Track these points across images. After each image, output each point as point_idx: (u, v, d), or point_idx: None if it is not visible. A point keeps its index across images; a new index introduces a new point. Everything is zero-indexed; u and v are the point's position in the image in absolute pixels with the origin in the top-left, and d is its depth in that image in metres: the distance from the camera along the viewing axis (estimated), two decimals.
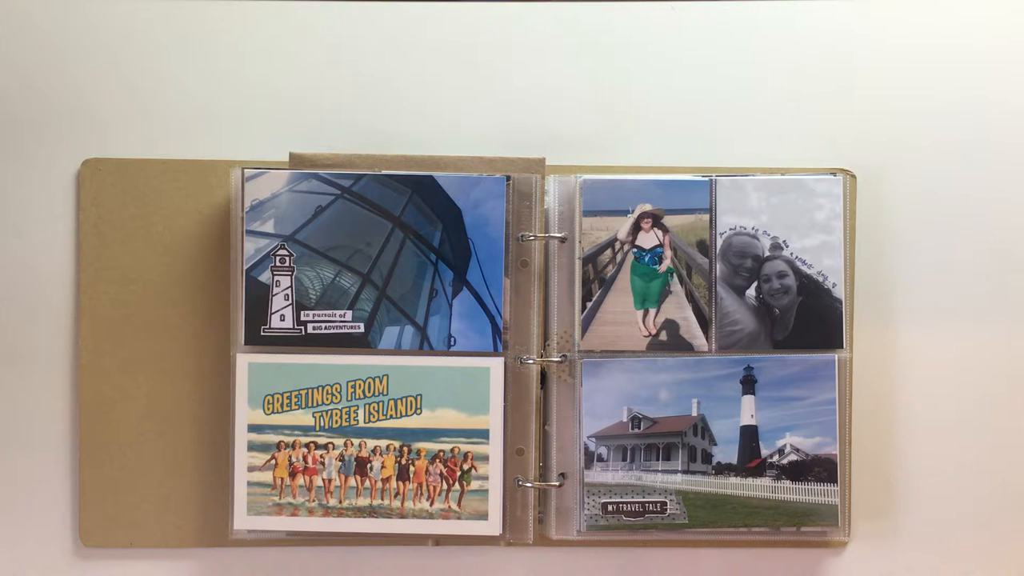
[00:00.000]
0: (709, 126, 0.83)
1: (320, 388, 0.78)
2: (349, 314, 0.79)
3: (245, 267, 0.78)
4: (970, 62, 0.83)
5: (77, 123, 0.82)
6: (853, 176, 0.81)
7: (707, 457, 0.79)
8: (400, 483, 0.79)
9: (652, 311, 0.80)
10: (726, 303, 0.80)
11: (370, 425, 0.79)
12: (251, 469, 0.79)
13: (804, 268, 0.79)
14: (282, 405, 0.78)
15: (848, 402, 0.80)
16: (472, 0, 0.83)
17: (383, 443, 0.79)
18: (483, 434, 0.79)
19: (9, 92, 0.82)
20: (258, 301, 0.78)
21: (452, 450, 0.79)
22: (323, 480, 0.79)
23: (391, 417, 0.79)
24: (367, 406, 0.79)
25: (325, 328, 0.78)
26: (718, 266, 0.80)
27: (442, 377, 0.79)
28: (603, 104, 0.83)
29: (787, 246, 0.80)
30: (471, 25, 0.83)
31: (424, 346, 0.79)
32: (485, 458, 0.79)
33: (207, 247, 0.81)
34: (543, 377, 0.80)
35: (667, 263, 0.80)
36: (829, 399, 0.79)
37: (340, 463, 0.79)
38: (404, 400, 0.79)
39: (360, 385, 0.79)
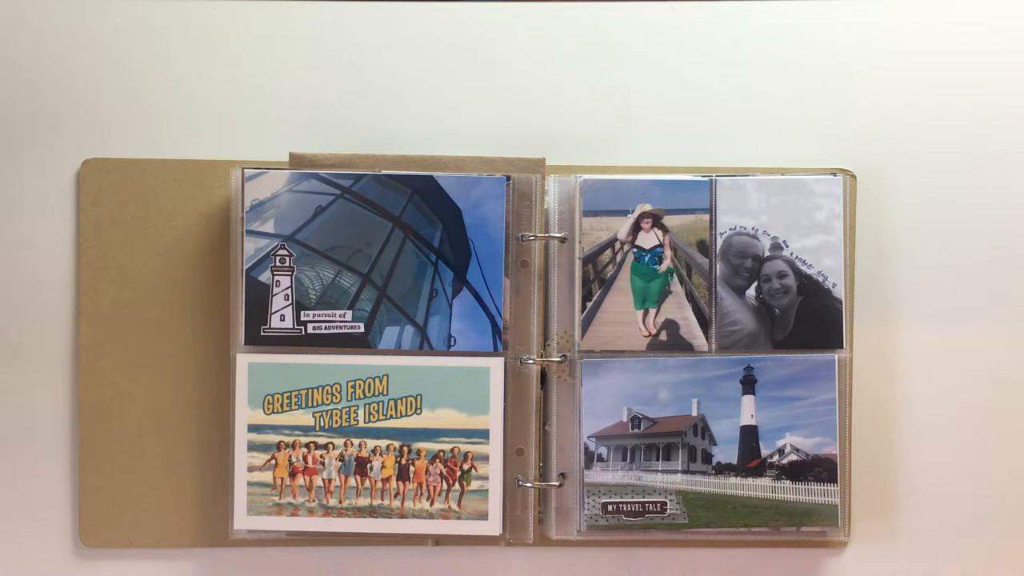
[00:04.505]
0: (709, 126, 0.83)
1: (320, 388, 0.78)
2: (349, 314, 0.79)
3: (245, 267, 0.78)
4: (970, 62, 0.83)
5: (77, 123, 0.82)
6: (853, 176, 0.81)
7: (707, 457, 0.79)
8: (400, 483, 0.79)
9: (652, 311, 0.80)
10: (726, 303, 0.80)
11: (370, 425, 0.79)
12: (251, 469, 0.79)
13: (804, 268, 0.79)
14: (282, 405, 0.78)
15: (848, 402, 0.80)
16: (472, 0, 0.83)
17: (383, 443, 0.79)
18: (483, 434, 0.79)
19: (9, 92, 0.82)
20: (258, 301, 0.78)
21: (452, 450, 0.79)
22: (323, 480, 0.79)
23: (391, 417, 0.79)
24: (367, 406, 0.79)
25: (325, 328, 0.78)
26: (718, 266, 0.80)
27: (442, 377, 0.79)
28: (603, 104, 0.83)
29: (787, 246, 0.80)
30: (471, 25, 0.83)
31: (424, 346, 0.79)
32: (485, 458, 0.79)
33: (207, 247, 0.81)
34: (543, 377, 0.80)
35: (667, 263, 0.80)
36: (829, 399, 0.79)
37: (340, 463, 0.79)
38: (404, 400, 0.79)
39: (360, 385, 0.79)
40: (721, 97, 0.83)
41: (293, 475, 0.79)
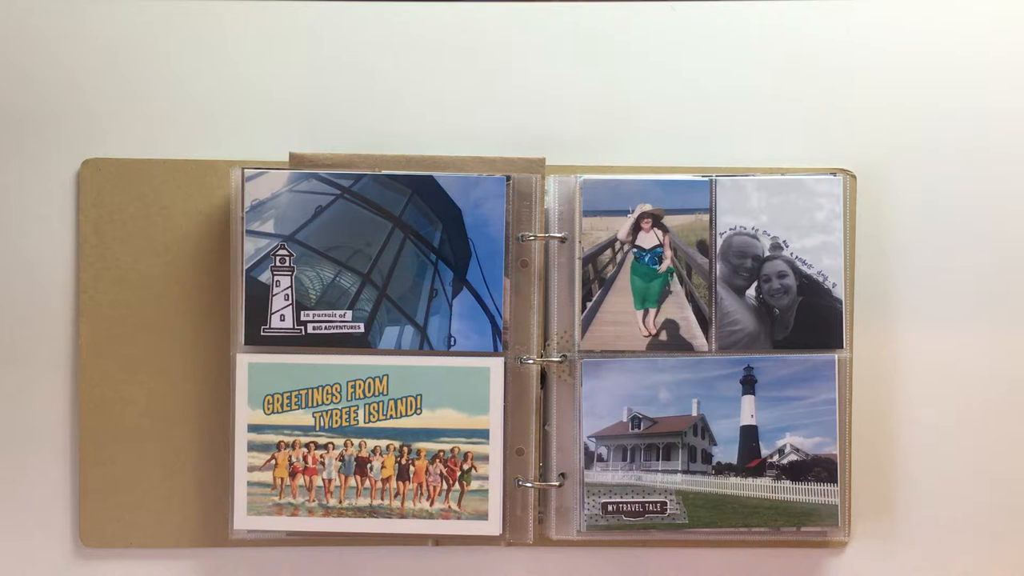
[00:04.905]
0: (709, 126, 0.83)
1: (320, 388, 0.78)
2: (349, 314, 0.79)
3: (245, 267, 0.78)
4: (970, 63, 0.83)
5: (77, 123, 0.82)
6: (853, 176, 0.81)
7: (707, 457, 0.79)
8: (400, 483, 0.79)
9: (652, 311, 0.80)
10: (726, 303, 0.80)
11: (370, 425, 0.79)
12: (251, 469, 0.79)
13: (804, 268, 0.79)
14: (282, 405, 0.78)
15: (848, 402, 0.80)
16: (472, 0, 0.83)
17: (383, 443, 0.79)
18: (483, 434, 0.79)
19: (9, 92, 0.82)
20: (258, 301, 0.78)
21: (452, 450, 0.79)
22: (323, 480, 0.79)
23: (391, 417, 0.79)
24: (367, 406, 0.79)
25: (325, 328, 0.78)
26: (718, 266, 0.80)
27: (442, 377, 0.79)
28: (603, 104, 0.83)
29: (787, 246, 0.80)
30: (471, 25, 0.83)
31: (424, 346, 0.79)
32: (485, 458, 0.79)
33: (207, 247, 0.81)
34: (543, 377, 0.80)
35: (667, 263, 0.80)
36: (829, 399, 0.79)
37: (340, 463, 0.79)
38: (404, 400, 0.79)
39: (360, 385, 0.79)
40: (721, 97, 0.83)
41: (293, 475, 0.79)
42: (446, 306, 0.79)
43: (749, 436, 0.79)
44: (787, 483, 0.79)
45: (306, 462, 0.79)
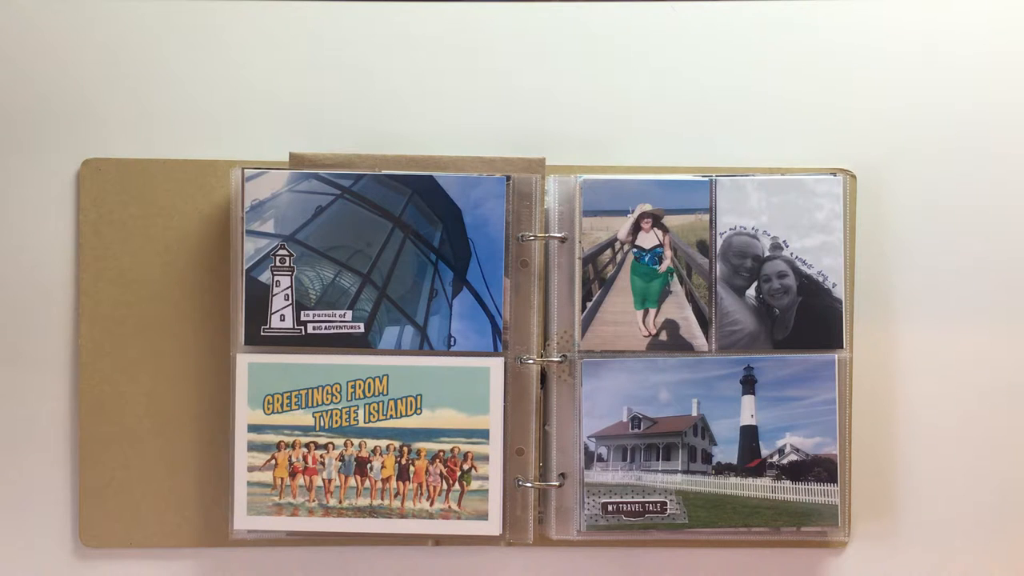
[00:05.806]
0: (709, 126, 0.83)
1: (320, 388, 0.78)
2: (349, 314, 0.79)
3: (245, 267, 0.78)
4: (970, 62, 0.83)
5: (77, 123, 0.82)
6: (853, 176, 0.81)
7: (707, 457, 0.79)
8: (400, 483, 0.79)
9: (652, 311, 0.80)
10: (726, 303, 0.80)
11: (370, 425, 0.79)
12: (251, 469, 0.79)
13: (804, 268, 0.79)
14: (282, 405, 0.78)
15: (848, 402, 0.80)
16: (472, 0, 0.83)
17: (383, 443, 0.79)
18: (483, 434, 0.79)
19: (9, 92, 0.82)
20: (258, 301, 0.78)
21: (452, 450, 0.79)
22: (323, 480, 0.79)
23: (391, 417, 0.79)
24: (367, 406, 0.79)
25: (325, 328, 0.78)
26: (718, 266, 0.80)
27: (442, 377, 0.79)
28: (603, 104, 0.83)
29: (787, 246, 0.80)
30: (471, 25, 0.83)
31: (424, 346, 0.79)
32: (485, 458, 0.79)
33: (207, 247, 0.81)
34: (543, 377, 0.80)
35: (667, 263, 0.80)
36: (829, 399, 0.79)
37: (340, 463, 0.79)
38: (404, 400, 0.79)
39: (360, 385, 0.79)
40: (721, 97, 0.83)
41: (293, 475, 0.79)
42: (446, 306, 0.79)
43: (749, 436, 0.79)
44: (787, 483, 0.79)
45: (306, 462, 0.79)
